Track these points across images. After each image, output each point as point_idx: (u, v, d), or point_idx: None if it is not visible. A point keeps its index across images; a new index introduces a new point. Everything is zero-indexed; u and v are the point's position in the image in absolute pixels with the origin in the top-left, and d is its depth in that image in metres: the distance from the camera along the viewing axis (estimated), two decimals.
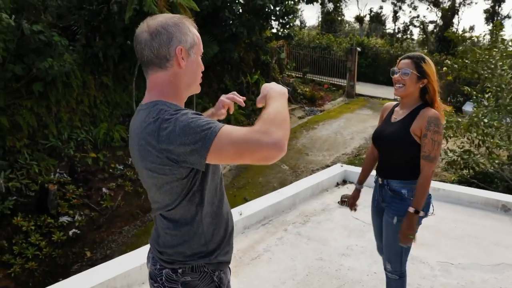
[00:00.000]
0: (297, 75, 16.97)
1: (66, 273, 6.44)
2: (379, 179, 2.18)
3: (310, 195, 4.19)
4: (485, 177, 6.11)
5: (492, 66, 6.28)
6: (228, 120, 12.16)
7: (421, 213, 1.99)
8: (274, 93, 1.21)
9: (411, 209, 1.98)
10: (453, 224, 3.64)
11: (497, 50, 6.48)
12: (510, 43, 6.61)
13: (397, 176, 2.08)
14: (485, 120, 5.70)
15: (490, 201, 3.97)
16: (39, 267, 6.73)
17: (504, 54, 6.30)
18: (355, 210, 2.52)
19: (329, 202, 4.13)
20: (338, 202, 4.15)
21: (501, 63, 6.29)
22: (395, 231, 2.05)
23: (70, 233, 7.41)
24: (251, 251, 3.12)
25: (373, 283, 2.75)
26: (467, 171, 6.53)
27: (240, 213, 3.45)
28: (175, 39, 1.19)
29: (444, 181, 7.47)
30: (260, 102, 1.29)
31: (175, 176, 1.13)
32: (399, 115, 2.12)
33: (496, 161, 6.13)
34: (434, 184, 4.40)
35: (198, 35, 1.27)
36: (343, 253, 3.11)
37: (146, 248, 1.63)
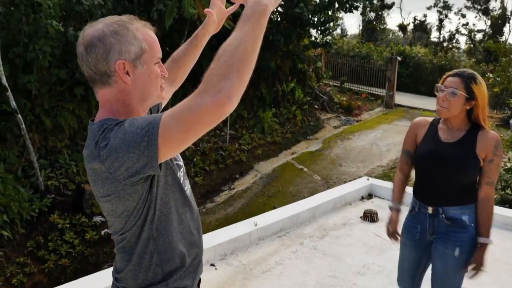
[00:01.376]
0: (334, 84, 16.74)
1: (96, 272, 6.65)
2: (430, 208, 1.93)
3: (332, 208, 4.08)
4: None
5: None
6: (262, 128, 12.18)
7: (490, 241, 1.85)
8: (247, 11, 0.95)
9: (487, 240, 1.83)
10: None
11: None
12: None
13: (455, 202, 1.89)
14: None
15: None
16: (71, 264, 7.00)
17: None
18: (397, 239, 2.10)
19: (351, 217, 4.00)
20: (361, 217, 4.02)
21: None
22: (457, 265, 1.87)
23: (102, 232, 7.67)
24: (263, 263, 3.08)
25: None
26: (510, 191, 6.14)
27: (255, 224, 3.42)
28: (113, 52, 1.00)
29: None
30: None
31: (131, 197, 1.00)
32: (451, 135, 1.91)
33: None
34: None
35: (152, 38, 1.07)
36: (358, 271, 2.99)
37: None
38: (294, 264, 3.08)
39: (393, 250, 3.22)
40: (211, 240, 3.10)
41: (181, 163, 1.23)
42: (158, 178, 1.06)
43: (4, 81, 6.54)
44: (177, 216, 1.13)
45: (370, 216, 3.94)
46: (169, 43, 10.52)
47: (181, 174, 1.19)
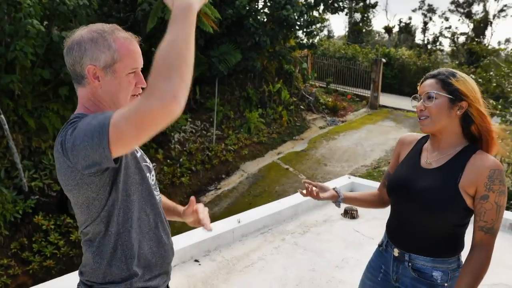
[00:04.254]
0: (320, 85, 16.93)
1: None
2: (396, 250, 1.52)
3: (313, 206, 4.17)
4: (510, 196, 5.89)
5: None
6: (248, 128, 12.27)
7: None
8: (175, 11, 0.95)
9: None
10: None
11: None
12: None
13: (427, 252, 1.44)
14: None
15: None
16: (56, 265, 6.96)
17: None
18: (315, 194, 1.69)
19: (332, 214, 4.10)
20: (342, 214, 4.12)
21: None
22: None
23: None
24: (245, 258, 3.15)
25: None
26: None
27: (238, 221, 3.48)
28: (86, 57, 1.10)
29: None
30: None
31: (89, 187, 1.06)
32: (434, 158, 1.46)
33: None
34: None
35: (128, 50, 1.12)
36: (337, 265, 3.08)
37: None
38: (276, 259, 3.16)
39: (371, 245, 3.32)
40: (195, 237, 3.16)
41: (151, 166, 1.28)
42: (125, 174, 1.12)
43: None
44: (145, 216, 1.18)
45: (350, 213, 4.04)
46: (155, 43, 10.53)
47: (152, 177, 1.25)
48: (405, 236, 1.50)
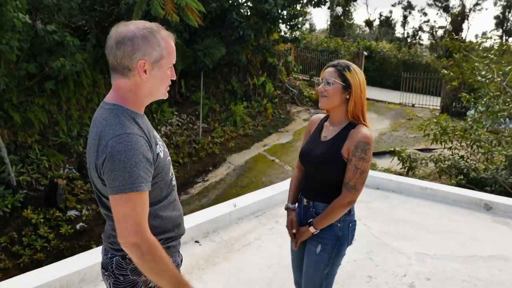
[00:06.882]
0: (304, 78, 17.18)
1: None
2: (304, 199, 1.95)
3: None
4: (478, 182, 6.24)
5: (483, 72, 6.43)
6: (234, 121, 12.42)
7: (313, 230, 1.85)
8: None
9: (310, 227, 1.85)
10: (436, 220, 3.82)
11: (489, 58, 6.64)
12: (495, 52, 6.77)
13: (325, 199, 1.86)
14: (474, 128, 5.87)
15: (473, 200, 4.13)
16: (46, 258, 7.00)
17: (492, 64, 6.46)
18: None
19: None
20: None
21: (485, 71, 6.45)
22: (317, 261, 1.88)
23: (78, 226, 7.69)
24: (242, 239, 3.34)
25: (351, 270, 2.96)
26: (461, 177, 6.62)
27: (234, 205, 3.67)
28: (139, 52, 1.21)
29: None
30: None
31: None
32: (329, 132, 1.90)
33: (491, 166, 6.26)
34: (422, 183, 4.59)
35: (172, 48, 1.28)
36: None
37: None
38: (271, 239, 3.36)
39: (357, 225, 3.56)
40: (194, 219, 3.33)
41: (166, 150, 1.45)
42: (161, 174, 1.31)
43: None
44: (166, 198, 1.37)
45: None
46: None
47: (171, 168, 1.43)
48: (310, 189, 1.94)
